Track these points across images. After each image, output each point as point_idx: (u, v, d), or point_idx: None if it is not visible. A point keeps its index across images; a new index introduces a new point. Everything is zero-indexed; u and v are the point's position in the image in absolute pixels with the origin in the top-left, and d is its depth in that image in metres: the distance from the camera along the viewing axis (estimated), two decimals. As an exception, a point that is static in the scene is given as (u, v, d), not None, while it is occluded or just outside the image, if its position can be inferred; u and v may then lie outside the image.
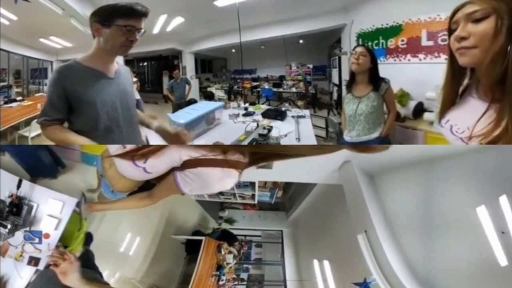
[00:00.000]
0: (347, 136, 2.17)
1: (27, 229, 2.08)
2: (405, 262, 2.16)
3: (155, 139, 2.50)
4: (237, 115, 3.31)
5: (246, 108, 3.75)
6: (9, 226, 1.89)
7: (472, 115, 0.85)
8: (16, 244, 2.05)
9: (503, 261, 1.60)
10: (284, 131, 2.63)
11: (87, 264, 1.92)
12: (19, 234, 2.05)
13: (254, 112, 3.46)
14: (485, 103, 0.84)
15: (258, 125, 2.53)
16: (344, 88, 2.20)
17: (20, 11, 3.66)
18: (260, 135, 2.24)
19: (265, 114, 3.24)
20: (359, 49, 1.94)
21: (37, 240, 2.09)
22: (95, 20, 1.18)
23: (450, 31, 0.86)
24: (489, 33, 0.78)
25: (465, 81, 0.94)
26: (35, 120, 3.51)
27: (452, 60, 0.90)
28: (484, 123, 0.82)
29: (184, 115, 2.60)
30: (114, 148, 1.12)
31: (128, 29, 1.16)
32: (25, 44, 5.20)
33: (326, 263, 3.53)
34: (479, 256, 1.74)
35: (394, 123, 2.17)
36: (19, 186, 2.07)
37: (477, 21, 0.79)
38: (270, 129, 2.38)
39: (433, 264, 2.02)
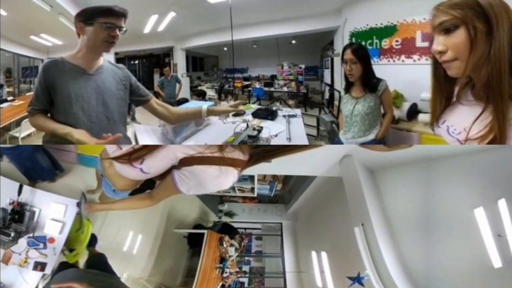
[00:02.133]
0: (343, 138, 2.16)
1: (31, 235, 2.07)
2: (399, 259, 2.20)
3: (143, 135, 2.50)
4: (227, 115, 3.26)
5: (236, 108, 3.69)
6: (12, 234, 1.89)
7: (469, 116, 0.83)
8: (19, 251, 2.04)
9: (497, 263, 1.62)
10: (275, 131, 2.57)
11: (103, 268, 1.94)
12: (23, 241, 2.04)
13: (244, 112, 3.42)
14: (481, 104, 0.82)
15: (247, 125, 2.49)
16: (337, 87, 2.16)
17: (9, 6, 3.56)
18: (249, 136, 2.18)
19: (255, 114, 3.14)
20: (348, 56, 1.87)
21: (41, 245, 2.09)
22: (79, 20, 1.29)
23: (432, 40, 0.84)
24: (464, 44, 0.76)
25: (461, 80, 0.90)
26: (25, 120, 3.48)
27: (436, 68, 0.88)
28: (480, 125, 0.80)
29: None
30: (111, 149, 1.12)
31: (108, 26, 1.27)
32: (16, 41, 5.06)
33: (323, 255, 3.59)
34: (474, 257, 1.77)
35: (390, 125, 2.15)
36: (20, 192, 2.05)
37: (448, 31, 0.77)
38: (260, 130, 2.33)
39: (427, 262, 2.05)
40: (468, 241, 1.82)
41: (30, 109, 1.32)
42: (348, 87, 2.05)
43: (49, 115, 1.35)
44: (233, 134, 2.28)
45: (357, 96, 2.00)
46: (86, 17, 1.28)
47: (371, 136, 2.03)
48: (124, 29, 1.31)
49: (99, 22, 1.27)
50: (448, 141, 0.93)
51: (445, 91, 0.92)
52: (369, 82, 1.94)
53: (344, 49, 1.93)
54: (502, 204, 1.61)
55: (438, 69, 0.87)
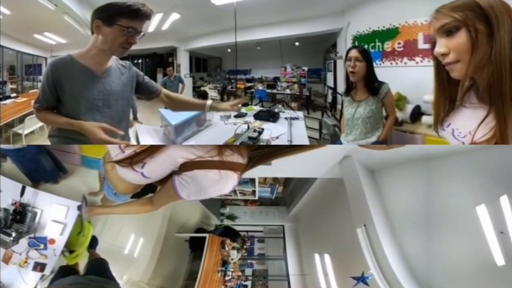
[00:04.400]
0: (344, 140, 2.16)
1: (32, 235, 2.08)
2: (403, 258, 2.18)
3: (145, 135, 2.50)
4: (229, 117, 3.24)
5: (238, 109, 3.69)
6: (13, 235, 1.90)
7: (473, 120, 0.82)
8: (20, 251, 2.06)
9: (500, 260, 1.60)
10: (276, 133, 2.59)
11: (103, 273, 1.93)
12: (23, 241, 2.05)
13: (246, 114, 3.39)
14: (485, 107, 0.81)
15: (248, 127, 2.50)
16: (340, 91, 2.18)
17: (13, 5, 3.60)
18: (249, 137, 2.20)
19: (257, 116, 3.18)
20: (353, 54, 1.86)
21: (42, 246, 2.10)
22: (99, 17, 1.19)
23: (433, 43, 0.85)
24: (465, 46, 0.76)
25: (466, 83, 0.91)
26: (29, 117, 3.51)
27: (439, 70, 0.88)
28: (484, 129, 0.79)
29: (175, 116, 2.53)
30: (114, 151, 1.13)
31: (129, 31, 1.17)
32: (19, 39, 5.11)
33: (326, 257, 3.56)
34: (477, 255, 1.75)
35: (392, 127, 2.16)
36: (22, 193, 2.06)
37: (449, 33, 0.78)
38: (261, 131, 2.35)
39: (431, 261, 2.04)
40: (470, 239, 1.80)
41: (37, 106, 1.31)
42: (349, 90, 2.04)
43: (55, 111, 1.33)
44: (233, 135, 2.29)
45: (358, 99, 2.00)
46: (107, 15, 1.17)
47: (373, 139, 2.02)
48: (142, 33, 1.22)
49: (120, 24, 1.16)
50: (453, 144, 0.92)
51: (448, 93, 0.92)
52: (372, 84, 1.94)
53: (349, 49, 1.93)
54: (504, 201, 1.59)
55: (441, 72, 0.87)
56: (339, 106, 3.95)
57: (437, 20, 0.80)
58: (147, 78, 1.50)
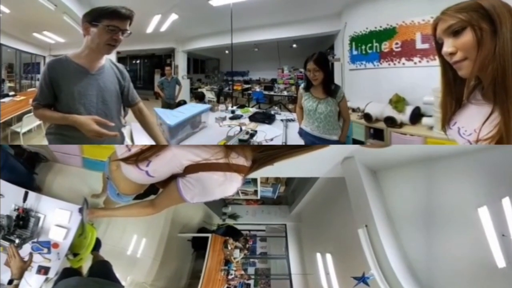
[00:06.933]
0: (307, 128, 2.26)
1: (35, 240, 2.08)
2: (404, 259, 2.20)
3: (139, 134, 2.50)
4: (224, 118, 3.25)
5: (233, 111, 3.67)
6: (17, 241, 1.90)
7: (478, 118, 0.85)
8: (23, 255, 2.02)
9: (501, 262, 1.61)
10: (271, 135, 2.59)
11: (107, 276, 1.94)
12: (27, 245, 2.05)
13: (241, 115, 3.39)
14: (490, 104, 0.84)
15: (241, 129, 2.49)
16: (301, 88, 2.32)
17: (13, 4, 3.61)
18: (240, 140, 2.22)
19: (252, 118, 3.18)
20: (311, 67, 2.06)
21: (45, 250, 2.10)
22: (86, 20, 1.32)
23: (438, 44, 0.89)
24: (472, 44, 0.80)
25: (472, 82, 0.93)
26: (27, 115, 3.52)
27: (445, 70, 0.92)
28: (489, 127, 0.82)
29: (171, 117, 2.57)
30: (121, 150, 1.13)
31: (111, 29, 1.29)
32: (19, 37, 5.14)
33: (328, 256, 3.58)
34: (478, 257, 1.75)
35: (348, 130, 2.28)
36: (25, 198, 2.07)
37: (456, 33, 0.82)
38: (253, 133, 2.35)
39: (432, 262, 2.05)
40: (472, 240, 1.82)
41: (35, 104, 1.38)
42: (309, 87, 2.20)
43: (52, 109, 1.40)
44: (225, 137, 2.29)
45: (317, 96, 2.15)
46: (92, 18, 1.31)
47: (334, 137, 2.19)
48: (128, 32, 1.33)
49: (103, 24, 1.28)
50: (459, 143, 0.96)
51: (455, 93, 0.95)
52: (329, 86, 2.10)
53: (307, 60, 2.10)
54: (506, 203, 1.60)
55: (447, 72, 0.91)
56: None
57: (443, 22, 0.84)
58: (131, 86, 1.57)
